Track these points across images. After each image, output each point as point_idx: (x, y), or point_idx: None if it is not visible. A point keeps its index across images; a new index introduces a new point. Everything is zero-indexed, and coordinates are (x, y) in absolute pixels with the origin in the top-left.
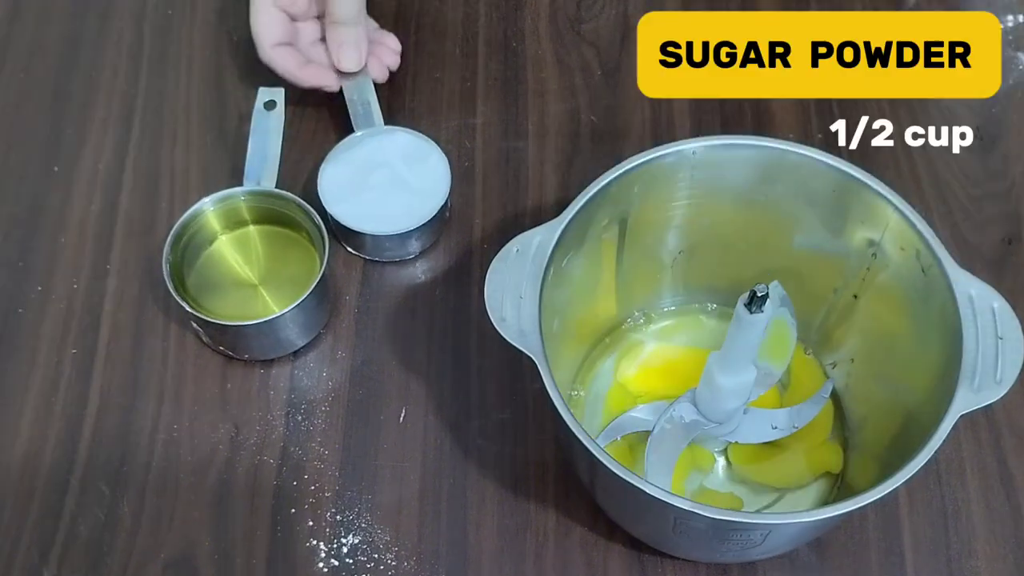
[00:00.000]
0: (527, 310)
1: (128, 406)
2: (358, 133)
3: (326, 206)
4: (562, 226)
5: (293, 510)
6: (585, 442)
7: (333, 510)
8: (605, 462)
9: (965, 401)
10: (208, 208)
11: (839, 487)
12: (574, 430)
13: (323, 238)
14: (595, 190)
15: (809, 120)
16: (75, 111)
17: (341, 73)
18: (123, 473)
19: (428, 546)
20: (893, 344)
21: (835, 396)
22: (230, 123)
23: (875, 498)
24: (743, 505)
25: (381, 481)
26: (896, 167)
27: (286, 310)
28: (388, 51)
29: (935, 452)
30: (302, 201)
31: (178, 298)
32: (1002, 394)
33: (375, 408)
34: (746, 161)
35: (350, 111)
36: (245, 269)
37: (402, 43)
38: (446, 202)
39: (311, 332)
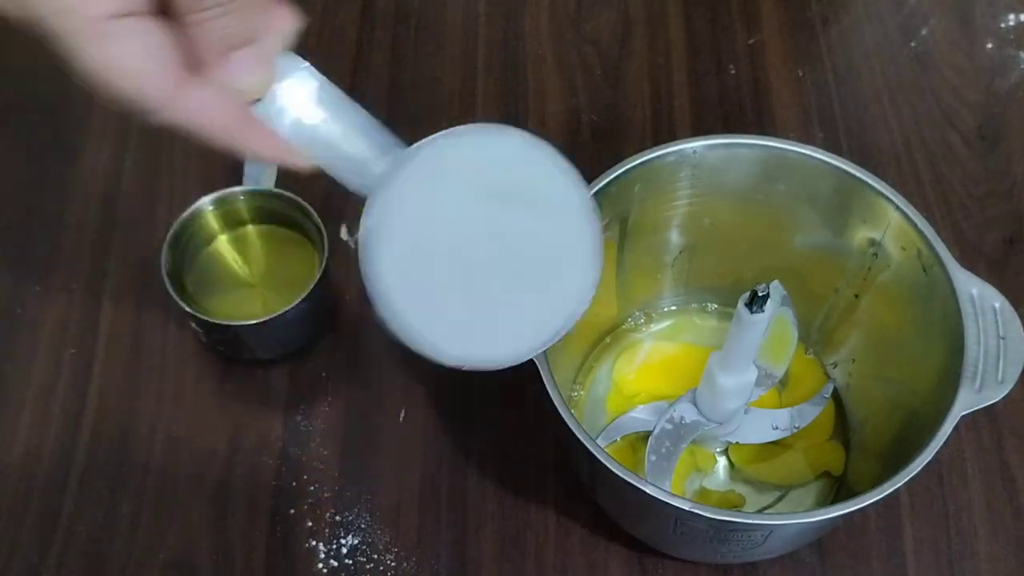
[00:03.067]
0: None
1: (127, 406)
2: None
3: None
4: None
5: (292, 510)
6: (585, 442)
7: (333, 511)
8: (605, 462)
9: (967, 401)
10: (207, 208)
11: (840, 488)
12: (574, 430)
13: (323, 238)
14: (595, 189)
15: (810, 119)
16: (74, 111)
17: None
18: (122, 473)
19: (428, 547)
20: (894, 344)
21: (836, 396)
22: None
23: (876, 498)
24: (745, 501)
25: (381, 481)
26: (897, 166)
27: (285, 310)
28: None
29: (937, 452)
30: (301, 201)
31: (177, 298)
32: (1004, 394)
33: (375, 408)
34: (747, 160)
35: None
36: (244, 269)
37: (402, 43)
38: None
39: (311, 332)
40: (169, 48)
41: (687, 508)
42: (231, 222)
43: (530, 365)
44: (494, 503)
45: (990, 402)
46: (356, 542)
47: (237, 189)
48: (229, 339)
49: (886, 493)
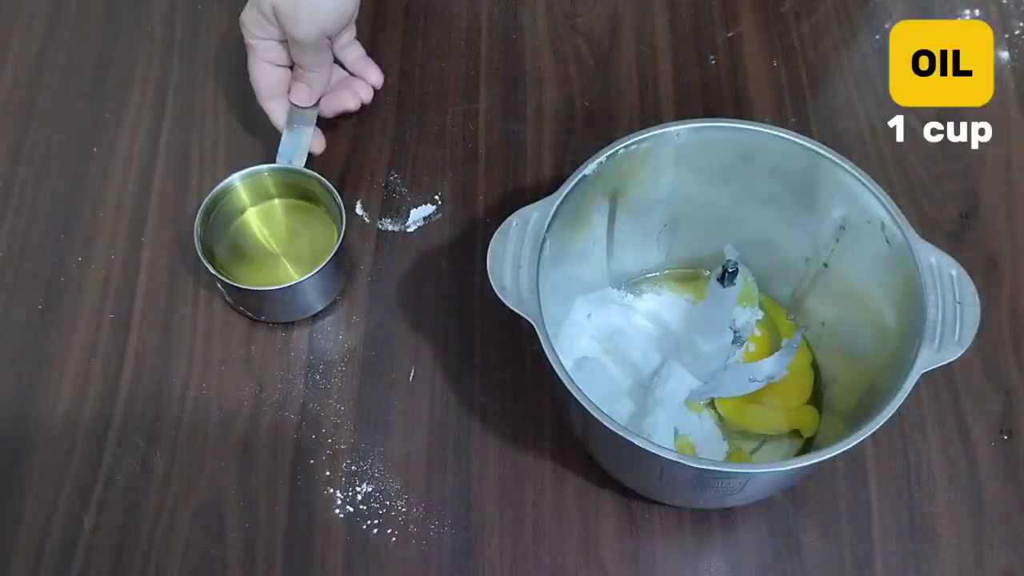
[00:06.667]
0: (526, 278)
1: (161, 366)
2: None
3: None
4: (558, 202)
5: (312, 461)
6: (580, 399)
7: (348, 461)
8: (598, 417)
9: (927, 360)
10: (237, 183)
11: (808, 448)
12: (569, 388)
13: (340, 212)
14: (588, 169)
15: (784, 105)
16: (113, 97)
17: (294, 106)
18: (156, 427)
19: (435, 494)
20: (860, 309)
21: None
22: (254, 107)
23: (845, 448)
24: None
25: (392, 435)
26: (863, 147)
27: (306, 277)
28: (364, 86)
29: (899, 407)
30: (322, 178)
31: (207, 265)
32: (960, 353)
33: (387, 368)
34: (726, 142)
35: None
36: (270, 240)
37: (410, 36)
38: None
39: (328, 297)
40: (283, 80)
41: (672, 458)
42: (259, 196)
43: (528, 328)
44: (496, 454)
45: (948, 361)
46: (370, 490)
47: (263, 167)
48: (253, 303)
49: (853, 444)
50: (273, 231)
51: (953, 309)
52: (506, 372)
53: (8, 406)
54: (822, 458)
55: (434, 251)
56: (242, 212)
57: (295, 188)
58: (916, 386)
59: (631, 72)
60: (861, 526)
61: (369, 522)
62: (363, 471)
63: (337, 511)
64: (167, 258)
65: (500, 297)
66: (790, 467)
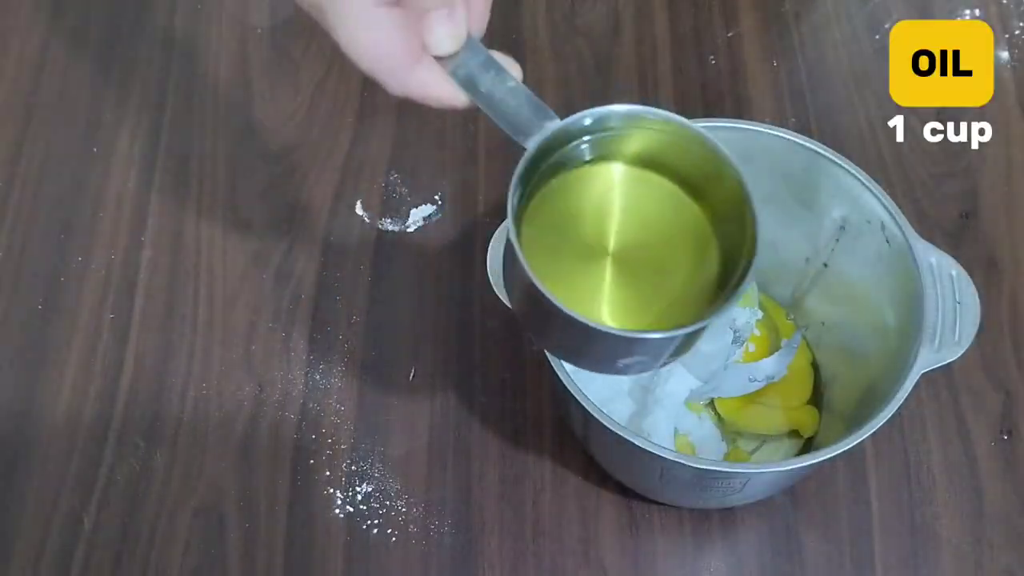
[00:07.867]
0: None
1: (161, 366)
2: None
3: None
4: None
5: (312, 461)
6: (580, 399)
7: (348, 461)
8: (599, 417)
9: (926, 360)
10: (615, 120)
11: (808, 448)
12: (570, 388)
13: (748, 206)
14: None
15: (783, 105)
16: (113, 98)
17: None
18: (156, 427)
19: (435, 494)
20: (860, 309)
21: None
22: (254, 106)
23: (844, 449)
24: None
25: (392, 434)
26: (863, 147)
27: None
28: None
29: (899, 407)
30: (728, 155)
31: (520, 254)
32: (960, 353)
33: (387, 367)
34: (726, 142)
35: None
36: (601, 223)
37: None
38: None
39: (666, 356)
40: (405, 36)
41: (672, 458)
42: (600, 150)
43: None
44: (496, 454)
45: (948, 361)
46: (370, 489)
47: (619, 108)
48: (557, 332)
49: (853, 444)
50: (610, 209)
51: (953, 309)
52: (506, 372)
53: (8, 406)
54: (822, 458)
55: (434, 251)
56: (572, 169)
57: (665, 152)
58: (916, 386)
59: (631, 72)
60: (861, 526)
61: (369, 522)
62: (363, 471)
63: (337, 511)
64: (167, 258)
65: (500, 297)
66: (790, 467)
